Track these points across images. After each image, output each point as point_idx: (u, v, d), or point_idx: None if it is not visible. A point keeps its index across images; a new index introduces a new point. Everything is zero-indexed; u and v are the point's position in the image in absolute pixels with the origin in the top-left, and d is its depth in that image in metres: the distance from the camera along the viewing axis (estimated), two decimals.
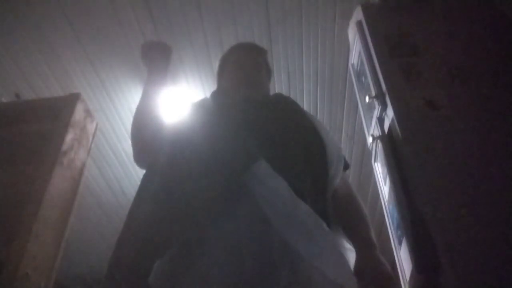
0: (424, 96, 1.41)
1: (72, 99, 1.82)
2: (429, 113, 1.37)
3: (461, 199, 1.18)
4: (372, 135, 1.62)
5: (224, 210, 0.84)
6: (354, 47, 1.90)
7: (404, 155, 1.36)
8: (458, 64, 1.50)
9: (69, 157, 1.68)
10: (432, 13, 1.70)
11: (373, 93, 1.55)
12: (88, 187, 3.20)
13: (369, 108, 1.70)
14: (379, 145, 1.54)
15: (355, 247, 1.02)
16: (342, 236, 1.05)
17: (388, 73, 1.51)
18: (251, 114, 1.08)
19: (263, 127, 1.04)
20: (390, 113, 1.44)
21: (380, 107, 1.51)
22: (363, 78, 1.78)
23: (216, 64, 1.45)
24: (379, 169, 1.63)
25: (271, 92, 1.38)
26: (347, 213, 1.12)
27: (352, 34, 1.92)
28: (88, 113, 1.89)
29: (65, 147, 1.65)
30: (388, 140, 1.47)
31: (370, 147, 1.69)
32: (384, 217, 1.56)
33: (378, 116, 1.57)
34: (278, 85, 2.73)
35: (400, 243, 1.34)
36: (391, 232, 1.46)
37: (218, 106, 1.14)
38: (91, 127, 1.90)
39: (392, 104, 1.43)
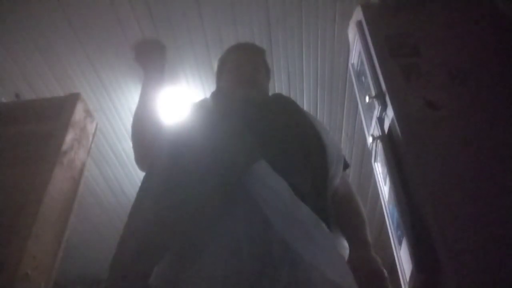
0: (424, 96, 1.41)
1: (72, 99, 1.82)
2: (429, 113, 1.37)
3: (461, 199, 1.18)
4: (372, 135, 1.62)
5: (224, 210, 0.84)
6: (354, 47, 1.90)
7: (404, 155, 1.36)
8: (458, 64, 1.50)
9: (69, 157, 1.68)
10: (432, 13, 1.70)
11: (373, 93, 1.55)
12: (88, 187, 3.19)
13: (369, 108, 1.70)
14: (379, 145, 1.54)
15: (349, 245, 1.02)
16: (340, 235, 1.06)
17: (388, 73, 1.51)
18: (251, 114, 1.08)
19: (263, 127, 1.04)
20: (390, 113, 1.44)
21: (380, 107, 1.52)
22: (363, 78, 1.78)
23: (216, 64, 1.44)
24: (379, 169, 1.63)
25: (271, 92, 1.38)
26: (345, 213, 1.13)
27: (352, 34, 1.92)
28: (88, 113, 1.89)
29: (65, 147, 1.65)
30: (388, 140, 1.47)
31: (370, 147, 1.69)
32: (384, 217, 1.56)
33: (378, 116, 1.57)
34: (278, 85, 2.73)
35: (400, 243, 1.34)
36: (391, 232, 1.46)
37: (218, 107, 1.14)
38: (91, 127, 1.91)
39: (392, 104, 1.43)
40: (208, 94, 1.27)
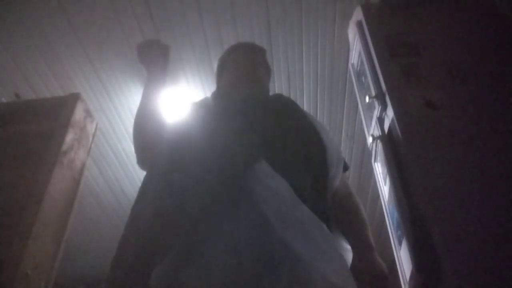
0: (424, 96, 1.41)
1: (72, 99, 1.82)
2: (429, 113, 1.37)
3: (461, 199, 1.18)
4: (372, 135, 1.62)
5: (224, 211, 0.84)
6: (354, 47, 1.90)
7: (404, 155, 1.36)
8: (458, 64, 1.50)
9: (69, 157, 1.68)
10: (432, 13, 1.70)
11: (373, 93, 1.55)
12: (88, 187, 3.19)
13: (369, 108, 1.70)
14: (379, 145, 1.54)
15: (353, 248, 1.02)
16: (341, 237, 1.06)
17: (388, 73, 1.51)
18: (251, 114, 1.08)
19: (263, 127, 1.04)
20: (390, 113, 1.44)
21: (380, 107, 1.51)
22: (363, 78, 1.78)
23: (216, 64, 1.44)
24: (379, 169, 1.63)
25: (271, 92, 1.38)
26: (346, 214, 1.12)
27: (352, 34, 1.92)
28: (88, 113, 1.89)
29: (65, 147, 1.65)
30: (388, 140, 1.47)
31: (370, 147, 1.69)
32: (384, 217, 1.56)
33: (378, 116, 1.57)
34: (278, 85, 2.73)
35: (400, 243, 1.34)
36: (391, 232, 1.46)
37: (219, 107, 1.14)
38: (91, 127, 1.91)
39: (392, 104, 1.43)
40: (208, 94, 1.27)
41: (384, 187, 1.54)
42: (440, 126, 1.34)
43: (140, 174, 3.45)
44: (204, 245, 0.80)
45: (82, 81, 2.66)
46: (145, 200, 0.95)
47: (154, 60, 1.25)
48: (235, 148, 0.94)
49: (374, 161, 1.67)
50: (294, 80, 2.74)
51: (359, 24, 1.78)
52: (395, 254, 1.41)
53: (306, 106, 2.83)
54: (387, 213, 1.53)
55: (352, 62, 2.00)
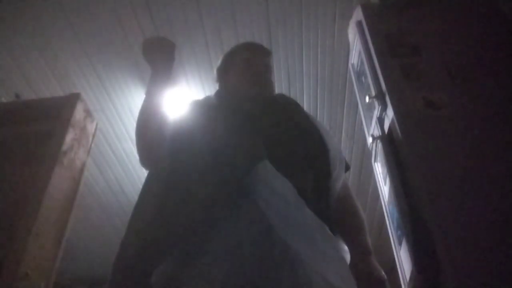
0: (424, 96, 1.41)
1: (72, 99, 1.82)
2: (429, 113, 1.37)
3: (461, 199, 1.18)
4: (372, 135, 1.62)
5: (225, 211, 0.84)
6: (354, 47, 1.90)
7: (404, 155, 1.36)
8: (458, 64, 1.50)
9: (69, 157, 1.68)
10: (432, 13, 1.70)
11: (373, 93, 1.55)
12: (88, 187, 3.19)
13: (369, 108, 1.70)
14: (379, 145, 1.54)
15: (350, 251, 1.02)
16: (340, 239, 1.05)
17: (388, 73, 1.51)
18: (255, 114, 1.08)
19: (266, 128, 1.04)
20: (390, 113, 1.44)
21: (380, 107, 1.51)
22: (363, 78, 1.78)
23: (216, 64, 1.42)
24: (379, 169, 1.63)
25: None
26: (344, 217, 1.12)
27: (352, 34, 1.92)
28: (88, 113, 1.89)
29: (65, 147, 1.65)
30: (388, 140, 1.47)
31: (370, 147, 1.69)
32: (384, 217, 1.56)
33: (378, 116, 1.57)
34: (278, 85, 2.73)
35: (400, 243, 1.34)
36: (391, 232, 1.46)
37: (225, 107, 1.13)
38: (91, 127, 1.91)
39: (392, 104, 1.43)
40: (208, 94, 1.26)
41: (384, 187, 1.54)
42: (440, 126, 1.34)
43: (140, 174, 3.45)
44: (205, 246, 0.80)
45: (82, 81, 2.66)
46: (147, 199, 0.95)
47: (159, 57, 1.23)
48: (237, 148, 0.94)
49: (374, 161, 1.67)
50: (294, 80, 2.73)
51: (359, 24, 1.78)
52: (395, 254, 1.41)
53: (306, 106, 2.83)
54: (387, 213, 1.53)
55: (352, 62, 1.99)
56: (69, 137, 1.69)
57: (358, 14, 1.82)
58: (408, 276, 1.25)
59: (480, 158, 1.27)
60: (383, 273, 1.02)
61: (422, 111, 1.38)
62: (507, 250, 1.08)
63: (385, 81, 1.49)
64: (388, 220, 1.51)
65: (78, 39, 2.45)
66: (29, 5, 2.26)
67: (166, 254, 0.81)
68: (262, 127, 1.02)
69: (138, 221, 0.92)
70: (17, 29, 2.36)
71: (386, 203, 1.54)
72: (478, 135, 1.32)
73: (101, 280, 3.83)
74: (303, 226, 0.82)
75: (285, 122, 1.09)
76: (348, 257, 0.99)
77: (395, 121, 1.39)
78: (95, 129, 1.95)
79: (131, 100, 2.77)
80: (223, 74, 1.34)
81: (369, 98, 1.57)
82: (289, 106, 1.20)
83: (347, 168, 1.24)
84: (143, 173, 1.07)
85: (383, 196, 1.58)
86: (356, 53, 1.88)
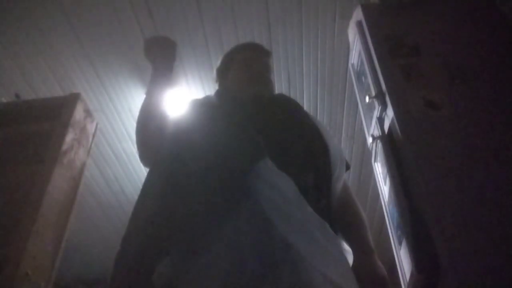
0: (424, 96, 1.41)
1: (72, 99, 1.82)
2: (429, 113, 1.37)
3: (461, 199, 1.18)
4: (372, 135, 1.61)
5: (226, 209, 0.84)
6: (354, 47, 1.90)
7: (404, 155, 1.36)
8: (458, 64, 1.50)
9: (69, 157, 1.68)
10: (432, 13, 1.70)
11: (373, 93, 1.55)
12: (88, 187, 3.20)
13: (369, 108, 1.70)
14: (379, 145, 1.54)
15: (353, 250, 1.02)
16: (341, 237, 1.06)
17: (388, 73, 1.51)
18: (256, 114, 1.08)
19: (267, 126, 1.04)
20: (390, 113, 1.44)
21: (380, 107, 1.51)
22: (363, 78, 1.78)
23: (216, 64, 1.43)
24: (379, 169, 1.63)
25: None
26: (345, 217, 1.12)
27: (352, 34, 1.91)
28: (88, 113, 1.89)
29: (65, 147, 1.65)
30: (388, 140, 1.47)
31: (370, 147, 1.69)
32: (384, 217, 1.56)
33: (378, 116, 1.57)
34: (278, 85, 2.73)
35: (400, 243, 1.34)
36: (391, 232, 1.46)
37: (224, 105, 1.13)
38: (91, 127, 1.91)
39: (392, 104, 1.43)
40: (208, 94, 1.26)
41: (384, 187, 1.54)
42: (440, 126, 1.34)
43: (140, 174, 3.45)
44: (206, 244, 0.80)
45: (82, 81, 2.66)
46: (148, 196, 0.95)
47: (160, 56, 1.23)
48: (238, 146, 0.94)
49: (374, 161, 1.67)
50: (294, 80, 2.74)
51: (359, 24, 1.78)
52: (395, 254, 1.41)
53: (306, 106, 2.83)
54: (387, 213, 1.53)
55: (352, 62, 1.99)
56: (69, 137, 1.69)
57: (358, 14, 1.82)
58: (408, 276, 1.25)
59: (480, 158, 1.27)
60: (385, 272, 1.02)
61: (422, 111, 1.38)
62: (507, 250, 1.08)
63: (385, 81, 1.49)
64: (388, 220, 1.51)
65: (78, 39, 2.45)
66: (29, 5, 2.27)
67: (166, 251, 0.81)
68: (263, 126, 1.02)
69: (139, 218, 0.92)
70: (17, 29, 2.36)
71: (386, 203, 1.54)
72: (478, 135, 1.32)
73: (101, 280, 3.84)
74: (303, 224, 0.82)
75: (285, 121, 1.09)
76: (349, 255, 1.00)
77: (395, 121, 1.39)
78: (95, 129, 1.95)
79: (131, 100, 2.77)
80: (223, 74, 1.35)
81: (369, 98, 1.57)
82: (289, 106, 1.21)
83: (347, 167, 1.24)
84: (143, 173, 1.07)
85: (383, 196, 1.58)
86: (356, 53, 1.88)
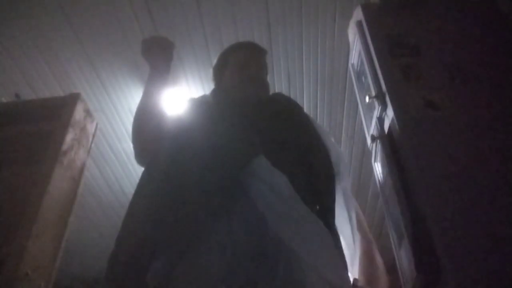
0: (424, 96, 1.41)
1: (72, 99, 1.82)
2: (429, 113, 1.37)
3: (461, 199, 1.18)
4: (372, 135, 1.62)
5: (220, 208, 0.84)
6: (354, 47, 1.90)
7: (404, 155, 1.36)
8: (458, 64, 1.50)
9: (69, 157, 1.68)
10: (432, 13, 1.70)
11: (373, 93, 1.55)
12: (88, 187, 3.20)
13: (369, 108, 1.70)
14: (379, 145, 1.54)
15: (353, 242, 1.03)
16: (340, 234, 1.05)
17: (388, 73, 1.51)
18: (252, 113, 1.08)
19: (263, 125, 1.04)
20: (390, 113, 1.44)
21: (380, 107, 1.51)
22: (363, 78, 1.78)
23: (215, 60, 1.42)
24: (379, 169, 1.63)
25: (271, 92, 1.38)
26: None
27: (352, 34, 1.91)
28: (88, 113, 1.89)
29: (65, 147, 1.65)
30: (388, 140, 1.47)
31: (370, 147, 1.69)
32: (384, 217, 1.56)
33: (378, 116, 1.57)
34: (278, 85, 2.73)
35: (400, 243, 1.34)
36: (391, 232, 1.46)
37: (219, 103, 1.13)
38: (91, 127, 1.91)
39: (392, 104, 1.43)
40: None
41: (384, 187, 1.54)
42: (440, 126, 1.34)
43: (140, 174, 3.43)
44: (200, 242, 0.80)
45: (82, 81, 2.66)
46: (142, 196, 0.95)
47: (158, 56, 1.24)
48: (233, 145, 0.94)
49: (374, 161, 1.67)
50: (294, 79, 2.74)
51: (359, 24, 1.78)
52: (395, 254, 1.41)
53: (306, 106, 2.84)
54: (387, 213, 1.53)
55: (352, 62, 1.99)
56: (69, 137, 1.69)
57: (358, 14, 1.82)
58: (408, 276, 1.25)
59: (480, 158, 1.27)
60: (382, 263, 1.02)
61: (422, 111, 1.38)
62: (507, 250, 1.08)
63: (385, 81, 1.49)
64: (388, 220, 1.51)
65: (78, 39, 2.45)
66: (30, 5, 2.27)
67: (161, 251, 0.81)
68: (258, 125, 1.02)
69: (134, 218, 0.92)
70: (17, 29, 2.36)
71: (386, 203, 1.54)
72: (478, 135, 1.32)
73: (101, 280, 3.83)
74: (298, 222, 0.82)
75: (281, 120, 1.09)
76: (346, 253, 1.00)
77: (395, 121, 1.39)
78: (95, 129, 1.95)
79: (131, 100, 2.77)
80: (219, 73, 1.35)
81: (369, 98, 1.57)
82: (286, 105, 1.21)
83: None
84: (142, 170, 1.07)
85: (383, 196, 1.58)
86: (356, 53, 1.88)
